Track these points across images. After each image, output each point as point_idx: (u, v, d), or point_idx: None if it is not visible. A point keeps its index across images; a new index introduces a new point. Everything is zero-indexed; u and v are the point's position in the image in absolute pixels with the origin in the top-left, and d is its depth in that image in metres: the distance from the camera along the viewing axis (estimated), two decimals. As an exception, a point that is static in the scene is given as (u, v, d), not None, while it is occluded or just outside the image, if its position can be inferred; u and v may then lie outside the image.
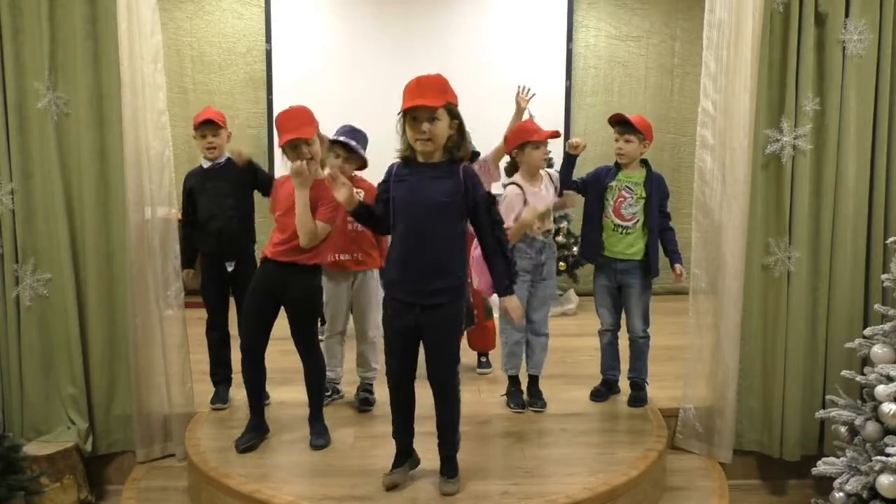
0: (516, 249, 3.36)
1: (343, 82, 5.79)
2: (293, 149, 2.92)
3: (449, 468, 2.78)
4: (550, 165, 5.32)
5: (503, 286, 2.70)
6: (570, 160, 3.48)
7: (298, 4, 5.83)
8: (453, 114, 2.57)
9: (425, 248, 2.58)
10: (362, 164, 3.42)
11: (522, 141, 3.35)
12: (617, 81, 6.05)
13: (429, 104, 2.47)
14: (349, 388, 3.62)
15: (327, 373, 3.39)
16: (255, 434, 3.12)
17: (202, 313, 3.53)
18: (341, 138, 3.32)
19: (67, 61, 3.14)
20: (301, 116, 2.95)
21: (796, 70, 3.19)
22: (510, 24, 5.91)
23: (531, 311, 3.47)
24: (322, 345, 3.37)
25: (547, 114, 5.61)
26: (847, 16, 3.18)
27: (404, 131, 2.58)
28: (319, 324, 4.23)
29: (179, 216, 3.51)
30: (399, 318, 2.65)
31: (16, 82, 3.12)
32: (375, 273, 3.46)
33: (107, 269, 3.26)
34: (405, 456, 2.84)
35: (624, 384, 3.67)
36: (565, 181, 3.52)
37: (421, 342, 2.69)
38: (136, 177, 3.17)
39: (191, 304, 3.47)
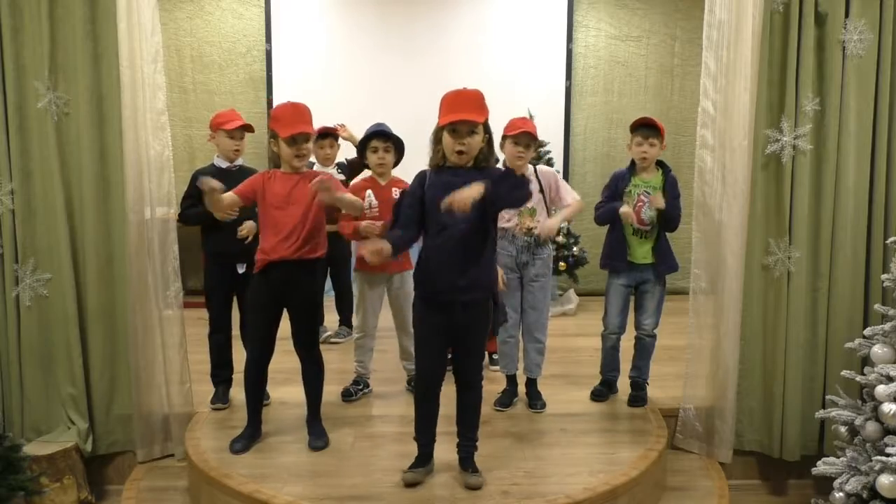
0: (498, 246, 3.39)
1: (343, 82, 5.80)
2: (293, 142, 2.93)
3: (473, 463, 2.81)
4: (550, 165, 5.34)
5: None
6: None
7: (298, 4, 5.84)
8: (487, 128, 2.66)
9: (460, 246, 2.63)
10: (400, 157, 3.53)
11: (504, 134, 3.39)
12: (617, 81, 6.05)
13: (475, 119, 2.57)
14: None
15: (358, 368, 3.66)
16: (251, 441, 3.13)
17: (201, 313, 3.53)
18: (384, 131, 3.45)
19: (67, 61, 3.14)
20: (306, 113, 2.98)
21: (796, 70, 3.19)
22: (510, 23, 5.91)
23: (523, 314, 3.49)
24: (355, 341, 3.66)
25: (547, 114, 5.64)
26: (847, 16, 3.18)
27: (437, 140, 2.64)
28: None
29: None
30: (435, 318, 2.69)
31: (16, 82, 3.12)
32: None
33: (106, 269, 3.26)
34: (426, 458, 2.86)
35: (623, 384, 3.67)
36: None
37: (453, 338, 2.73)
38: (135, 177, 3.17)
39: (190, 304, 3.47)
